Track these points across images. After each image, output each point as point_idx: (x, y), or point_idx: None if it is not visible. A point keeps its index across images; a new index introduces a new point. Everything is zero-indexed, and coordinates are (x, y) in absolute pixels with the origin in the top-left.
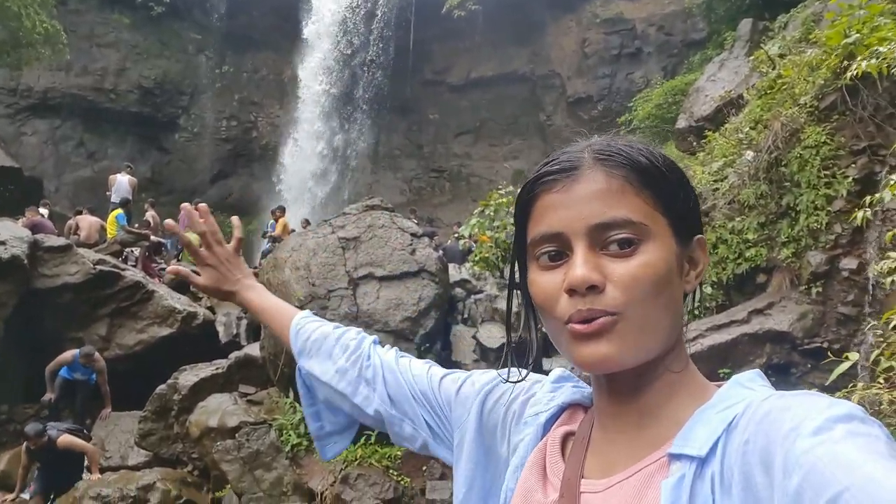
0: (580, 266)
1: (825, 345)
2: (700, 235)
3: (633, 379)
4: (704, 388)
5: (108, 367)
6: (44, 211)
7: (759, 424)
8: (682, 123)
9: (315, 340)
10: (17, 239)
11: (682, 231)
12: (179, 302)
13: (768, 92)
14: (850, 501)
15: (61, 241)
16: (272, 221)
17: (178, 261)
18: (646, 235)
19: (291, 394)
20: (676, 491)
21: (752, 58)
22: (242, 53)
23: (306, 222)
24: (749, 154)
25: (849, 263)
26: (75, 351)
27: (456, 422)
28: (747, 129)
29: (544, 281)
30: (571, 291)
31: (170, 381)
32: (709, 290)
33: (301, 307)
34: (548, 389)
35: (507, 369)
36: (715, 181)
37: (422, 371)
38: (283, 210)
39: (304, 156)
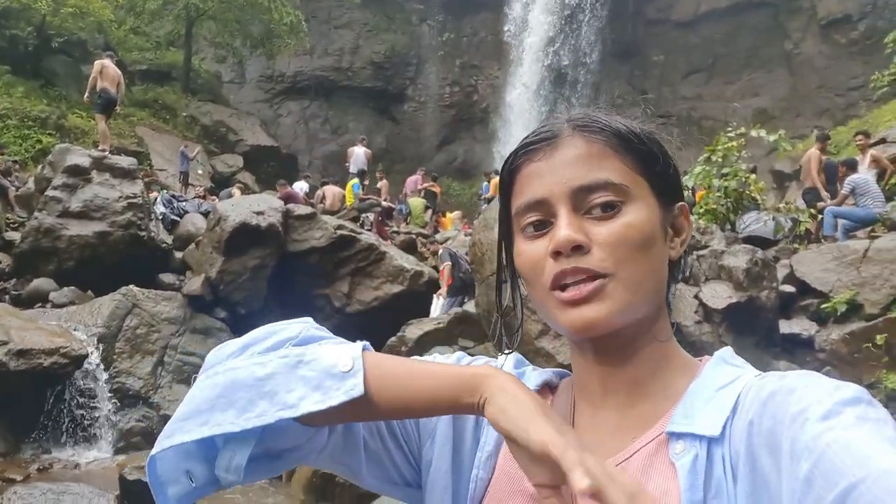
0: (564, 227)
1: None
2: (682, 202)
3: (621, 346)
4: (689, 361)
5: (348, 321)
6: (303, 184)
7: (763, 406)
8: None
9: None
10: (273, 209)
11: (664, 194)
12: (408, 262)
13: None
14: (865, 494)
15: (308, 209)
16: (485, 183)
17: (407, 223)
18: (628, 197)
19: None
20: (693, 473)
21: None
22: (461, 18)
23: None
24: None
25: None
26: None
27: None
28: None
29: (530, 249)
30: (556, 254)
31: (399, 334)
32: None
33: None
34: (511, 369)
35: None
36: None
37: None
38: (498, 172)
39: (522, 115)
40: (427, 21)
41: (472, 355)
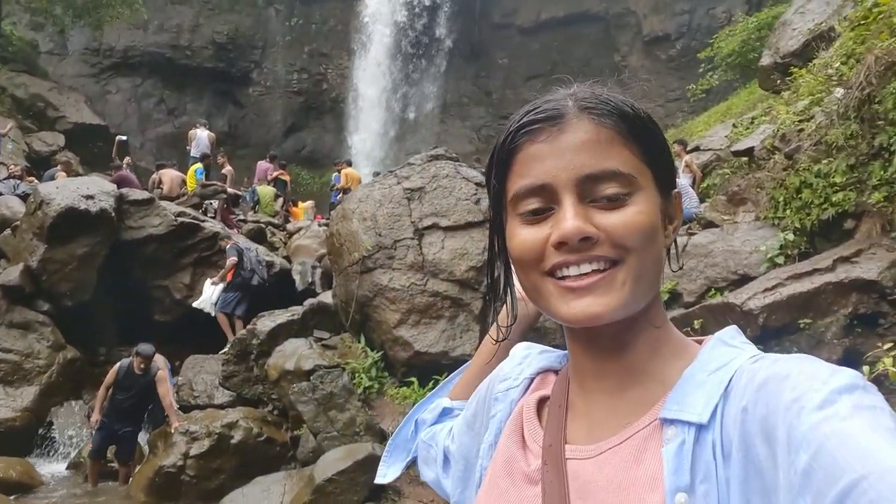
0: (571, 218)
1: None
2: (677, 190)
3: (617, 335)
4: (686, 345)
5: (191, 315)
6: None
7: (757, 392)
8: (766, 60)
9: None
10: (104, 193)
11: (664, 184)
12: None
13: (862, 23)
14: (869, 491)
15: (145, 194)
16: (336, 173)
17: (255, 212)
18: (634, 187)
19: (363, 339)
20: (678, 458)
21: None
22: (310, 4)
23: (376, 174)
24: (839, 91)
25: None
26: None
27: (459, 436)
28: (838, 64)
29: (526, 234)
30: (560, 244)
31: (249, 327)
32: (791, 236)
33: (368, 257)
34: (516, 363)
35: (497, 334)
36: (800, 121)
37: None
38: (349, 162)
39: (372, 106)
40: (274, 5)
41: (328, 346)
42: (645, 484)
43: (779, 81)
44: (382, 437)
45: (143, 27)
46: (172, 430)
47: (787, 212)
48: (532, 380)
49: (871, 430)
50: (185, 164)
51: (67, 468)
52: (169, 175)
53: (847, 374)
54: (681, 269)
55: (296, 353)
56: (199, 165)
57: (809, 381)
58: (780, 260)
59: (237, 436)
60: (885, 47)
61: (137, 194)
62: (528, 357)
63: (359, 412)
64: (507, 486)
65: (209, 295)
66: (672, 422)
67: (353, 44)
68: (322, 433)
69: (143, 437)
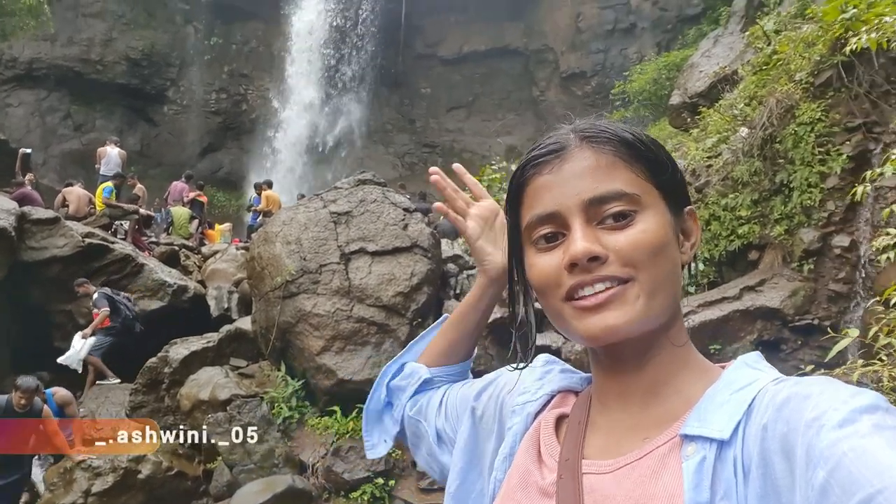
0: (580, 239)
1: (816, 321)
2: (690, 207)
3: (637, 352)
4: (708, 366)
5: (96, 340)
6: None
7: (778, 411)
8: (675, 99)
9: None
10: (3, 211)
11: (673, 201)
12: (170, 275)
13: (763, 68)
14: None
15: (49, 213)
16: (255, 195)
17: (168, 234)
18: (640, 206)
19: (283, 367)
20: (698, 474)
21: (747, 33)
22: (231, 24)
23: (301, 197)
24: (743, 131)
25: (841, 241)
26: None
27: (459, 421)
28: (742, 105)
29: (543, 262)
30: (572, 266)
31: (160, 355)
32: (701, 266)
33: (292, 281)
34: (536, 377)
35: (514, 357)
36: (709, 158)
37: (459, 385)
38: (269, 184)
39: (294, 129)
40: (193, 23)
41: (245, 375)
42: (663, 500)
43: (688, 119)
44: (302, 469)
45: (51, 39)
46: (73, 463)
47: None
48: (551, 397)
49: (890, 447)
50: (93, 183)
51: None
52: (76, 194)
53: (869, 395)
54: (697, 286)
55: (211, 381)
56: (108, 184)
57: (830, 400)
58: (692, 289)
59: (145, 470)
60: (784, 91)
61: (41, 213)
62: (549, 373)
63: (278, 443)
64: (521, 498)
65: (77, 350)
66: (693, 438)
67: (275, 66)
68: (238, 465)
69: (38, 474)
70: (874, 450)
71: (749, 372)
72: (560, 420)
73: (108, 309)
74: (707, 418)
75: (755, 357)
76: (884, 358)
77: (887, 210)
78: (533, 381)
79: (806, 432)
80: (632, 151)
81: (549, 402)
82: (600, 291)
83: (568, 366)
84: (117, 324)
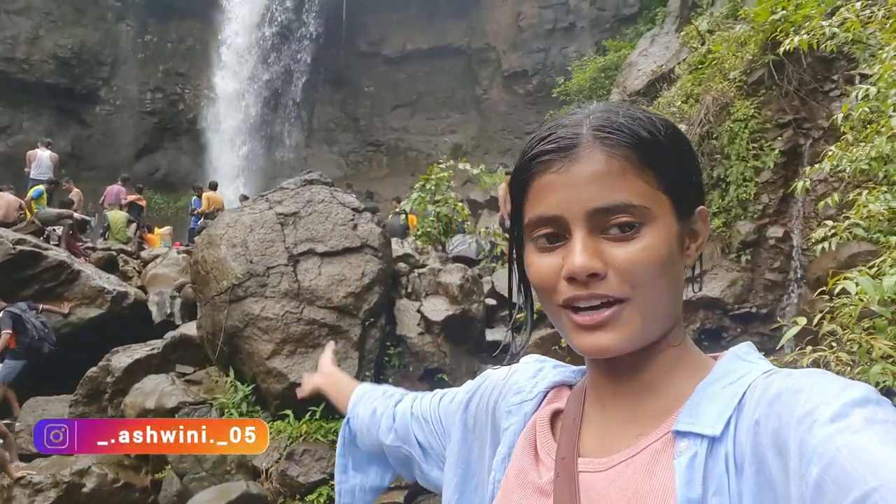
0: (580, 254)
1: (754, 310)
2: (702, 206)
3: (633, 358)
4: (702, 361)
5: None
6: None
7: (770, 405)
8: (615, 97)
9: (368, 427)
10: None
11: (684, 205)
12: (108, 282)
13: (699, 67)
14: (880, 503)
15: None
16: (195, 197)
17: (105, 239)
18: (647, 218)
19: (232, 372)
20: (689, 470)
21: (682, 33)
22: (166, 22)
23: (244, 198)
24: (682, 127)
25: (775, 232)
26: None
27: (447, 435)
28: (679, 102)
29: (542, 263)
30: (571, 279)
31: (101, 363)
32: None
33: (238, 285)
34: (530, 375)
35: (510, 348)
36: None
37: (436, 398)
38: (214, 186)
39: (233, 129)
40: (126, 20)
41: (193, 381)
42: (657, 496)
43: None
44: (256, 475)
45: None
46: (11, 480)
47: None
48: (546, 394)
49: (883, 442)
50: (22, 188)
51: None
52: (5, 199)
53: (860, 388)
54: (700, 290)
55: (157, 389)
56: (39, 188)
57: (822, 394)
58: None
59: (90, 484)
60: (720, 89)
61: None
62: (541, 371)
63: None
64: (518, 498)
65: None
66: (685, 434)
67: (213, 64)
68: (189, 474)
69: None
70: (867, 445)
71: (740, 364)
72: (555, 415)
73: (10, 331)
74: (698, 414)
75: (746, 348)
76: (833, 344)
77: (822, 203)
78: (527, 380)
79: (798, 428)
80: (646, 155)
81: (543, 398)
82: (596, 309)
83: (558, 362)
84: (24, 345)
